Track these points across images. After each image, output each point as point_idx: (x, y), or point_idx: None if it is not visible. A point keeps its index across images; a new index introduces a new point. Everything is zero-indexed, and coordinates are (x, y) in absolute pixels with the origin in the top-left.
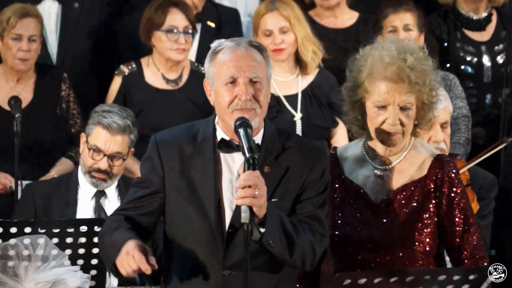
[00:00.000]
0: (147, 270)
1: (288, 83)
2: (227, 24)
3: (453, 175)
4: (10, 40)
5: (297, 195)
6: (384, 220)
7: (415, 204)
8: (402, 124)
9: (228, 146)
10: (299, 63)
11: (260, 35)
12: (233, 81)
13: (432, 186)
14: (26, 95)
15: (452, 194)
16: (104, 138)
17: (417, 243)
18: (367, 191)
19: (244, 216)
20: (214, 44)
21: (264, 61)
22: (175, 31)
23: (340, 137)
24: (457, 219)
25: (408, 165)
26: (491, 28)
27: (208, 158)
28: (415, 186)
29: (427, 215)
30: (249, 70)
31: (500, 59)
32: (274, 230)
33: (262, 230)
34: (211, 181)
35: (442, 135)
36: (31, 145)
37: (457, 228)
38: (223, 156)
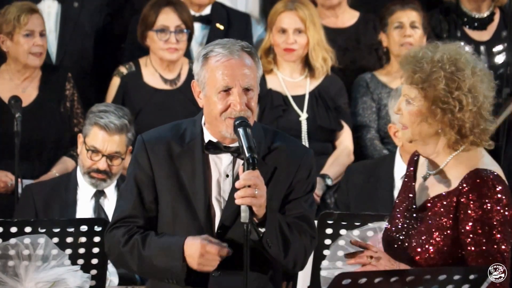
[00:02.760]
0: (229, 252)
1: (296, 83)
2: (237, 28)
3: (485, 190)
4: (22, 37)
5: (285, 195)
6: (410, 226)
7: (438, 216)
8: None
9: (216, 147)
10: (308, 66)
11: (274, 31)
12: (227, 90)
13: (455, 199)
14: (32, 92)
15: (471, 213)
16: (102, 139)
17: (419, 257)
18: (416, 193)
19: (244, 216)
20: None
21: (255, 65)
22: (166, 30)
23: (345, 140)
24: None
25: (448, 174)
26: (492, 27)
27: (197, 159)
28: (443, 198)
29: (439, 232)
30: (243, 79)
31: (498, 60)
32: (273, 231)
33: (262, 230)
34: (200, 182)
35: None
36: (33, 142)
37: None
38: (210, 157)
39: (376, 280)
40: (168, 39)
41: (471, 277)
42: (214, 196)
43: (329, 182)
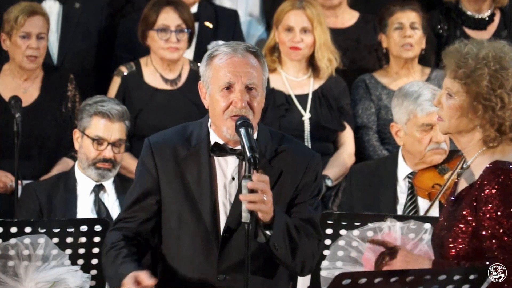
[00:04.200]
0: None
1: (300, 82)
2: (225, 25)
3: (501, 180)
4: (19, 38)
5: (291, 198)
6: (445, 223)
7: (463, 209)
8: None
9: (222, 150)
10: (313, 66)
11: (280, 29)
12: (229, 87)
13: (475, 192)
14: (33, 92)
15: (489, 204)
16: (105, 127)
17: (450, 250)
18: (456, 188)
19: (245, 216)
20: (211, 46)
21: (261, 66)
22: (166, 30)
23: (346, 141)
24: (484, 232)
25: (475, 168)
26: (492, 28)
27: (203, 162)
28: (468, 192)
29: (463, 224)
30: (245, 76)
31: None
32: (280, 234)
33: (269, 233)
34: (206, 186)
35: (442, 136)
36: (34, 142)
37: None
38: (216, 159)
39: (376, 280)
40: (169, 38)
41: (471, 277)
42: (220, 200)
43: (329, 183)
